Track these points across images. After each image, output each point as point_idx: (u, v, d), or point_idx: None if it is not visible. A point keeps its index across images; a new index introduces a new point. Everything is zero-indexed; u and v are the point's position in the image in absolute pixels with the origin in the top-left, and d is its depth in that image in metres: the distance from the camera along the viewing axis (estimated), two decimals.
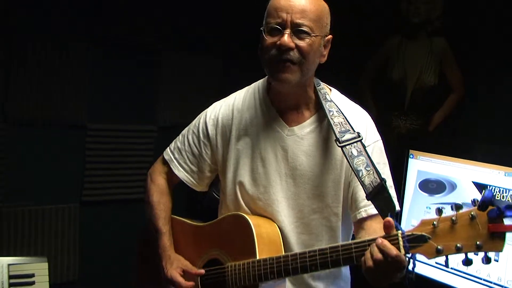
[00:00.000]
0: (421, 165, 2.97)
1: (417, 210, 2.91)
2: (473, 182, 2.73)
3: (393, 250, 1.53)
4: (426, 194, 2.93)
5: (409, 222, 2.92)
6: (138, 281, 2.40)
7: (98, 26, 3.57)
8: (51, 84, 3.46)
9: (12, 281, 2.61)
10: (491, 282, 2.59)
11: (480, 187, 2.68)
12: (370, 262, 1.57)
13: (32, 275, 2.66)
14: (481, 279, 2.63)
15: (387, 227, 1.59)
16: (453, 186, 2.82)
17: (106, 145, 3.69)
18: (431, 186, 2.91)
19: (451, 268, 2.72)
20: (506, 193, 2.60)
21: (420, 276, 2.82)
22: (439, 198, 2.85)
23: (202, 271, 2.06)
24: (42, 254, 3.19)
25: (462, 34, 3.83)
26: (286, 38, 1.80)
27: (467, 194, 2.73)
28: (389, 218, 1.60)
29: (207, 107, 2.20)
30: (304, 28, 1.80)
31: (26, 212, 3.43)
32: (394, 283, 1.65)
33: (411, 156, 3.01)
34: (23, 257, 2.75)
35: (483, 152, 2.85)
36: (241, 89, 2.17)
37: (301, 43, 1.81)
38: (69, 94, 3.52)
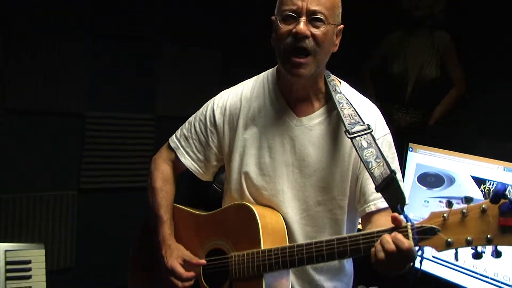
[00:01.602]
0: (420, 158, 2.97)
1: (415, 203, 2.91)
2: (472, 177, 2.73)
3: (405, 242, 1.54)
4: (424, 188, 2.92)
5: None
6: (134, 269, 2.39)
7: (98, 17, 3.56)
8: (50, 72, 3.45)
9: (9, 267, 2.62)
10: (487, 277, 2.60)
11: (479, 181, 2.68)
12: (381, 254, 1.57)
13: (29, 262, 2.66)
14: (477, 273, 2.63)
15: (394, 221, 1.60)
16: (451, 180, 2.82)
17: (105, 133, 3.68)
18: (430, 180, 2.91)
19: (447, 262, 2.73)
20: None
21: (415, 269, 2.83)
22: (437, 192, 2.86)
23: (204, 261, 2.05)
24: (40, 241, 3.18)
25: (464, 28, 3.83)
26: (302, 25, 1.78)
27: (465, 188, 2.73)
28: (395, 214, 1.61)
29: (206, 97, 2.19)
30: (320, 16, 1.79)
31: (24, 199, 3.42)
32: (397, 278, 1.65)
33: (410, 149, 3.01)
34: (20, 243, 2.75)
35: (483, 146, 2.86)
36: (239, 79, 2.17)
37: (316, 31, 1.80)
38: (68, 82, 3.51)
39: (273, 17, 1.89)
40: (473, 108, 3.81)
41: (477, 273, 2.63)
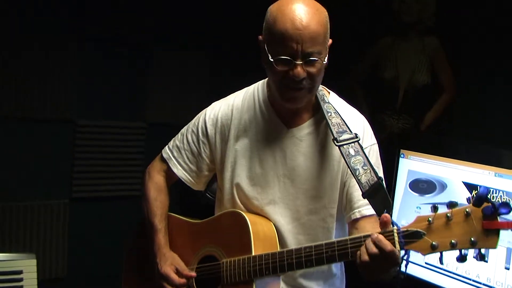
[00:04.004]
0: (412, 164, 2.97)
1: (407, 210, 2.91)
2: (464, 182, 2.73)
3: (388, 245, 1.55)
4: (416, 194, 2.92)
5: (399, 222, 2.88)
6: (127, 277, 2.40)
7: (88, 24, 3.58)
8: (41, 80, 3.46)
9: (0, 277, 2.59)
10: (480, 283, 2.60)
11: (470, 187, 2.69)
12: (365, 257, 1.58)
13: (20, 272, 2.64)
14: (470, 279, 2.63)
15: (384, 223, 1.60)
16: (443, 186, 2.82)
17: (96, 142, 3.68)
18: (422, 186, 2.91)
19: (440, 269, 2.73)
20: (496, 193, 2.60)
21: (409, 276, 2.83)
22: (429, 198, 2.86)
23: (194, 274, 2.06)
24: (31, 251, 3.17)
25: (454, 33, 3.84)
26: (299, 69, 1.76)
27: (457, 194, 2.73)
28: (386, 214, 1.62)
29: (197, 104, 2.21)
30: (315, 57, 1.76)
31: (14, 208, 3.41)
32: (384, 283, 1.65)
33: (402, 155, 3.01)
34: (11, 253, 2.74)
35: (474, 152, 2.86)
36: (230, 86, 2.18)
37: (312, 70, 1.78)
38: (58, 90, 3.51)
39: (260, 37, 1.88)
40: (464, 113, 3.82)
41: (469, 279, 2.63)
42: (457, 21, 3.84)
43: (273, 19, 1.78)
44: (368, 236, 1.62)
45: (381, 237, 1.57)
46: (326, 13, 1.84)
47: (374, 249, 1.56)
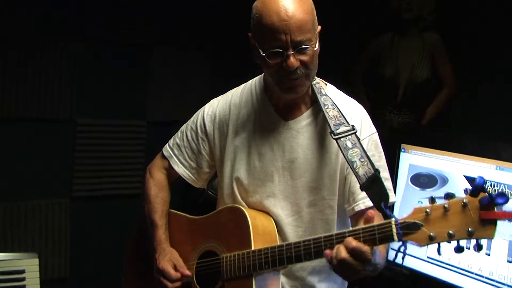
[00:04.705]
0: (413, 159, 2.97)
1: (408, 204, 2.91)
2: (465, 176, 2.73)
3: (352, 242, 1.57)
4: (417, 188, 2.93)
5: (401, 216, 2.90)
6: (128, 273, 2.41)
7: (88, 22, 3.57)
8: (40, 79, 3.46)
9: (1, 277, 2.60)
10: (482, 276, 2.59)
11: (472, 181, 2.67)
12: (334, 261, 1.60)
13: (23, 271, 2.64)
14: (472, 273, 2.63)
15: (368, 220, 1.62)
16: (444, 180, 2.82)
17: (96, 140, 3.69)
18: (423, 180, 2.91)
19: (443, 262, 2.73)
20: (497, 186, 2.60)
21: (411, 271, 2.83)
22: (430, 192, 2.85)
23: (188, 272, 2.07)
24: (33, 250, 3.17)
25: (454, 29, 3.84)
26: (292, 59, 1.77)
27: (458, 188, 2.73)
28: (371, 211, 1.64)
29: (197, 102, 2.22)
30: (306, 44, 1.77)
31: (15, 208, 3.42)
32: (383, 279, 1.66)
33: (402, 150, 3.01)
34: (13, 253, 2.74)
35: (475, 146, 2.85)
36: (230, 84, 2.19)
37: (305, 58, 1.79)
38: (58, 90, 3.52)
39: (249, 35, 1.89)
40: (464, 107, 3.82)
41: (472, 272, 2.63)
42: (457, 17, 3.83)
43: (259, 15, 1.79)
44: (366, 228, 1.61)
45: (349, 239, 1.59)
46: (311, 0, 1.84)
47: (342, 254, 1.58)
